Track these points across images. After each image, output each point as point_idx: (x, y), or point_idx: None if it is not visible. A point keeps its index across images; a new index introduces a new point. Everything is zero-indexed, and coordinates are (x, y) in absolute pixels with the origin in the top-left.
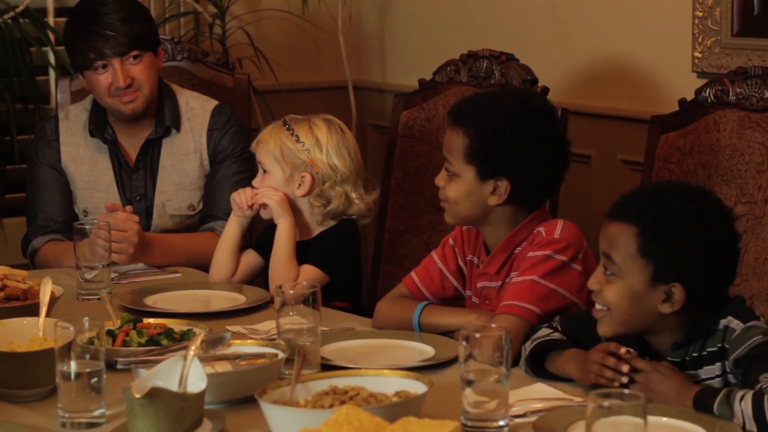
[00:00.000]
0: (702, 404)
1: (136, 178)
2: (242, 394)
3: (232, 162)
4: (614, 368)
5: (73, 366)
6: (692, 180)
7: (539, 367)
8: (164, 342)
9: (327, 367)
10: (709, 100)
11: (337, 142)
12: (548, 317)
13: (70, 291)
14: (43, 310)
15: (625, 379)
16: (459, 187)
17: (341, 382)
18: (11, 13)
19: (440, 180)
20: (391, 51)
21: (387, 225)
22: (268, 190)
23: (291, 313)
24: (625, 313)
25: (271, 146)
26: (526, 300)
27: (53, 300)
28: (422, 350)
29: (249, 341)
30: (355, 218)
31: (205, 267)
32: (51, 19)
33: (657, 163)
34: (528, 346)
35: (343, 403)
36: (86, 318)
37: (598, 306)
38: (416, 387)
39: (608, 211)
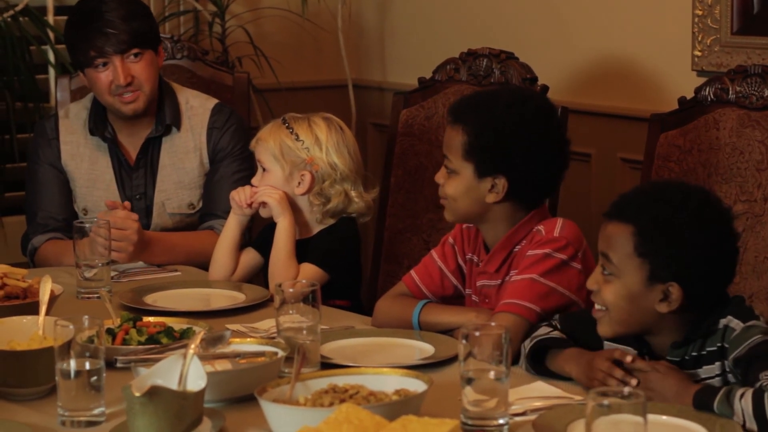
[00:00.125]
0: (702, 403)
1: (136, 177)
2: (242, 393)
3: (232, 161)
4: (621, 379)
5: (73, 364)
6: (692, 178)
7: (539, 365)
8: (164, 340)
9: (327, 365)
10: (709, 99)
11: (337, 140)
12: (548, 316)
13: (69, 289)
14: (43, 309)
15: (634, 382)
16: (457, 184)
17: (341, 380)
18: (11, 12)
19: (440, 177)
20: (391, 49)
21: (387, 224)
22: (268, 189)
23: (291, 312)
24: (623, 313)
25: (270, 145)
26: (525, 298)
27: (53, 298)
28: (422, 349)
29: (249, 340)
30: (354, 216)
31: (204, 265)
32: (51, 18)
33: (657, 161)
34: (527, 344)
35: (342, 401)
36: (86, 316)
37: (597, 306)
38: (416, 385)
39: (606, 211)
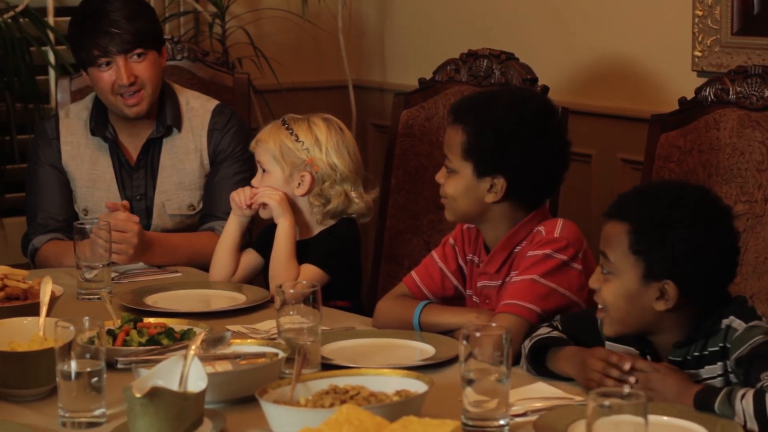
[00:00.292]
0: (703, 403)
1: (137, 178)
2: (243, 394)
3: (233, 162)
4: (619, 378)
5: (74, 365)
6: (692, 179)
7: (539, 366)
8: (164, 341)
9: (327, 366)
10: (709, 99)
11: (337, 141)
12: (548, 316)
13: (70, 290)
14: (44, 310)
15: (632, 380)
16: (457, 183)
17: (342, 381)
18: (11, 13)
19: (440, 177)
20: (391, 50)
21: (387, 224)
22: (268, 190)
23: (291, 313)
24: (622, 312)
25: (270, 146)
26: (526, 299)
27: (53, 299)
28: (423, 349)
29: (249, 341)
30: (354, 217)
31: (205, 266)
32: (51, 19)
33: (657, 162)
34: (527, 344)
35: (343, 402)
36: (86, 317)
37: (599, 306)
38: (417, 386)
39: (606, 211)
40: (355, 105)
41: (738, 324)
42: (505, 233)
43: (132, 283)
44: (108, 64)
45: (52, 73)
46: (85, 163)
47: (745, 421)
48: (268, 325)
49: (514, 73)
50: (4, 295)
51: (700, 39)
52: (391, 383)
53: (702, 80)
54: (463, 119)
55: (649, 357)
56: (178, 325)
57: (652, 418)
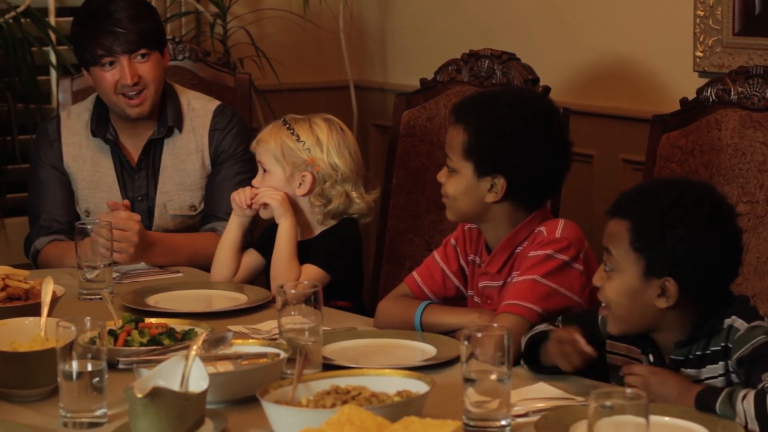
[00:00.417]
0: (704, 404)
1: (138, 178)
2: (244, 394)
3: (234, 162)
4: (577, 350)
5: (75, 366)
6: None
7: (535, 363)
8: (166, 342)
9: (329, 366)
10: (711, 100)
11: (338, 141)
12: (549, 317)
13: (71, 291)
14: (45, 310)
15: (588, 349)
16: (458, 183)
17: (343, 381)
18: (12, 13)
19: (441, 176)
20: (393, 50)
21: (388, 225)
22: (269, 190)
23: (293, 313)
24: (624, 310)
25: (271, 146)
26: (527, 299)
27: (55, 300)
28: (424, 350)
29: (251, 341)
30: (356, 217)
31: (206, 267)
32: (52, 19)
33: (659, 162)
34: (523, 341)
35: (345, 402)
36: (88, 318)
37: (603, 304)
38: (418, 387)
39: (608, 209)
40: (356, 105)
41: (740, 324)
42: (506, 233)
43: (133, 283)
44: (112, 63)
45: (53, 73)
46: (87, 165)
47: (746, 422)
48: (269, 326)
49: (516, 73)
50: (6, 296)
51: (701, 39)
52: (393, 383)
53: (703, 80)
54: (464, 119)
55: (651, 355)
56: (179, 325)
57: (653, 418)
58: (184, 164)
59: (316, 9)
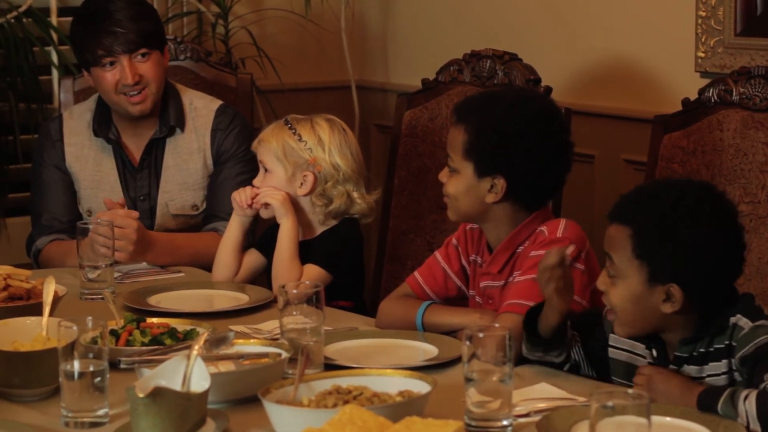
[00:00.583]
0: (706, 404)
1: (140, 178)
2: (245, 394)
3: (236, 162)
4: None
5: (77, 365)
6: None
7: (535, 337)
8: (167, 341)
9: (330, 366)
10: (713, 100)
11: (340, 141)
12: None
13: (73, 290)
14: (47, 310)
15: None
16: (458, 183)
17: (345, 381)
18: (14, 13)
19: (443, 176)
20: (394, 51)
21: (390, 225)
22: (271, 190)
23: (294, 313)
24: (630, 315)
25: (273, 145)
26: (529, 299)
27: (56, 299)
28: (426, 350)
29: (252, 341)
30: (357, 218)
31: (208, 267)
32: (54, 19)
33: (660, 162)
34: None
35: (346, 402)
36: (89, 317)
37: (608, 308)
38: (420, 387)
39: (608, 213)
40: (357, 105)
41: (744, 322)
42: (507, 233)
43: (135, 283)
44: (112, 63)
45: (55, 73)
46: (89, 164)
47: (748, 422)
48: (271, 326)
49: (518, 73)
50: (8, 295)
51: (703, 40)
52: (394, 383)
53: (705, 81)
54: (465, 119)
55: (654, 351)
56: (181, 325)
57: (655, 419)
58: (186, 164)
59: (317, 9)
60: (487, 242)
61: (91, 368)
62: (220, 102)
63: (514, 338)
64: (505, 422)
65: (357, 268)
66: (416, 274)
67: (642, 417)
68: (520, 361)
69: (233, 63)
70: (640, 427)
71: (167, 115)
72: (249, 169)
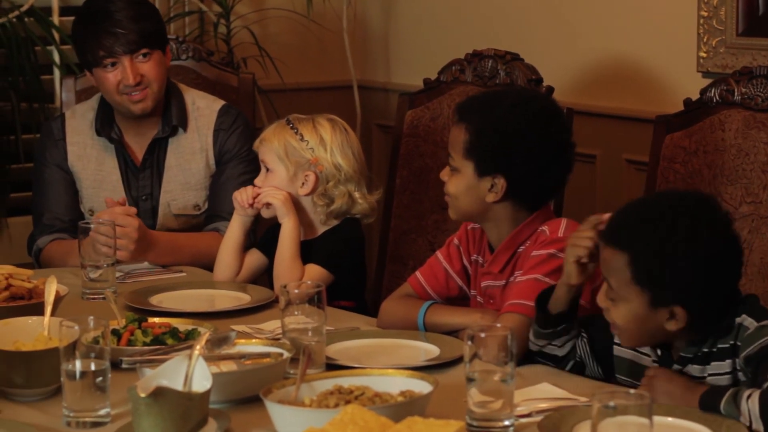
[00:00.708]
0: (708, 404)
1: (143, 178)
2: (247, 394)
3: (238, 162)
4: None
5: (78, 365)
6: (697, 180)
7: (546, 324)
8: (169, 341)
9: (332, 366)
10: (715, 100)
11: (342, 141)
12: None
13: (75, 290)
14: (48, 310)
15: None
16: (459, 182)
17: (346, 381)
18: (16, 12)
19: (444, 174)
20: (396, 50)
21: (392, 225)
22: (272, 190)
23: (296, 313)
24: (634, 333)
25: (275, 145)
26: (530, 299)
27: (58, 299)
28: (427, 350)
29: (254, 341)
30: (358, 217)
31: (209, 266)
32: (56, 18)
33: (662, 163)
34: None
35: (348, 402)
36: (91, 317)
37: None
38: (421, 387)
39: (602, 233)
40: (359, 105)
41: (749, 322)
42: (508, 233)
43: (136, 282)
44: (113, 64)
45: (56, 72)
46: (92, 164)
47: (751, 422)
48: (272, 325)
49: (519, 73)
50: (9, 295)
51: (705, 40)
52: (396, 383)
53: (707, 81)
54: (467, 118)
55: (659, 350)
56: (182, 324)
57: (657, 419)
58: (188, 164)
59: (319, 9)
60: (488, 242)
61: (93, 368)
62: (222, 102)
63: (516, 338)
64: (506, 422)
65: (358, 268)
66: (418, 273)
67: (644, 417)
68: (521, 361)
69: (235, 63)
70: (642, 427)
71: (170, 115)
72: (251, 169)
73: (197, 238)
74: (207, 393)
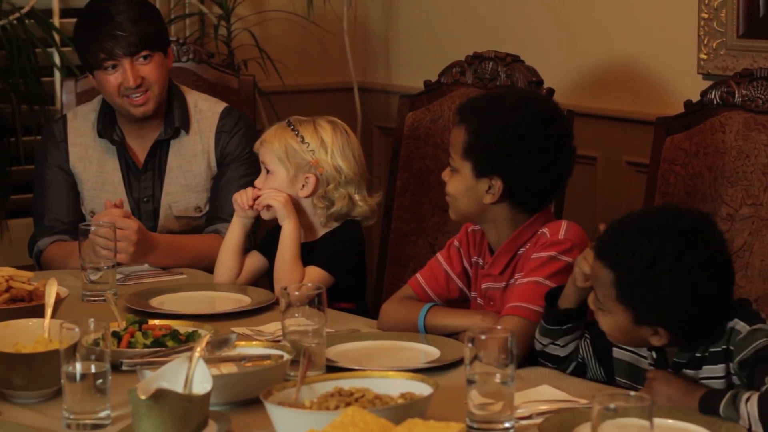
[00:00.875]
0: (708, 406)
1: (144, 180)
2: (247, 396)
3: (240, 165)
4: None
5: (79, 367)
6: (698, 182)
7: (553, 321)
8: (169, 343)
9: (332, 368)
10: (715, 102)
11: (342, 143)
12: None
13: (75, 292)
14: (49, 312)
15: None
16: (458, 182)
17: (347, 383)
18: (17, 14)
19: (445, 175)
20: (397, 52)
21: (392, 227)
22: (273, 192)
23: (296, 315)
24: (622, 341)
25: (275, 146)
26: (531, 301)
27: (58, 301)
28: (428, 352)
29: (254, 343)
30: (359, 219)
31: (210, 268)
32: (56, 20)
33: (663, 165)
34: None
35: (348, 404)
36: (91, 319)
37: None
38: (422, 389)
39: (594, 245)
40: (360, 107)
41: (741, 326)
42: (508, 235)
43: (137, 284)
44: (114, 67)
45: (57, 74)
46: (93, 166)
47: (750, 424)
48: (273, 327)
49: (520, 75)
50: (10, 297)
51: (705, 42)
52: (396, 386)
53: (707, 83)
54: (467, 119)
55: (654, 353)
56: (183, 327)
57: (657, 421)
58: (190, 165)
59: (320, 11)
60: (488, 244)
61: (93, 370)
62: (224, 104)
63: (516, 341)
64: (507, 424)
65: (359, 270)
66: (418, 275)
67: (644, 419)
68: (522, 363)
69: (235, 65)
70: (642, 429)
71: (172, 117)
72: (253, 171)
73: (198, 240)
74: (207, 395)
